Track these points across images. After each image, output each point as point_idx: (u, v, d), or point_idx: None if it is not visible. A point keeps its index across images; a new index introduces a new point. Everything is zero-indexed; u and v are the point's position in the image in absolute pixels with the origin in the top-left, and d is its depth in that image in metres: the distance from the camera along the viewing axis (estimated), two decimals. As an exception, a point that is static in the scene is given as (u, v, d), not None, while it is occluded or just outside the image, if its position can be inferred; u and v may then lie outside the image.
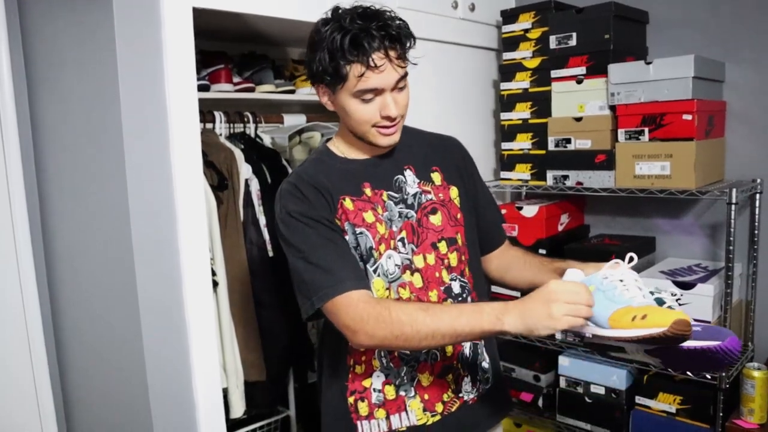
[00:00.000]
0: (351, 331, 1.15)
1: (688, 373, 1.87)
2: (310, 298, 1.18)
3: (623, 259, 1.14)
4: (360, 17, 1.15)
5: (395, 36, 1.16)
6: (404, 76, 1.20)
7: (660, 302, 1.06)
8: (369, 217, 1.25)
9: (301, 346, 2.13)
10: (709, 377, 1.85)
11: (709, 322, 1.84)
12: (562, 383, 2.21)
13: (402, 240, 1.27)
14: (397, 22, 1.18)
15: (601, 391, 2.11)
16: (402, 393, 1.28)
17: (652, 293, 1.08)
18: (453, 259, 1.32)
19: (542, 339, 2.24)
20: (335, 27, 1.15)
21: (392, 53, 1.16)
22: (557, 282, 1.08)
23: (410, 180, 1.32)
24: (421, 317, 1.10)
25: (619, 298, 1.06)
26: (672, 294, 1.09)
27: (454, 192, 1.36)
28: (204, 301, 1.58)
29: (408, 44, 1.19)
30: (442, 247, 1.31)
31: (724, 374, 1.82)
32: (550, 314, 1.03)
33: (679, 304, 1.81)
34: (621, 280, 1.09)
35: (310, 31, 1.21)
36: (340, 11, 1.17)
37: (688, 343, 1.00)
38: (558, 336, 1.05)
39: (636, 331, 1.00)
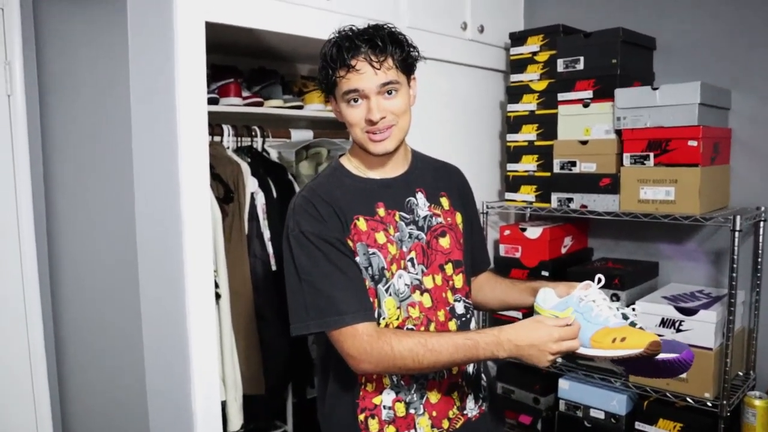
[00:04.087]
0: (355, 361, 1.20)
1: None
2: (306, 321, 1.21)
3: (593, 281, 1.27)
4: (354, 32, 1.22)
5: (378, 43, 1.20)
6: (391, 82, 1.22)
7: (625, 317, 1.21)
8: (381, 237, 1.26)
9: (300, 362, 2.12)
10: (710, 405, 1.84)
11: (711, 349, 1.85)
12: (562, 406, 2.20)
13: (411, 260, 1.29)
14: (387, 32, 1.23)
15: (601, 415, 2.10)
16: (412, 411, 1.28)
17: (618, 309, 1.22)
18: (458, 281, 1.35)
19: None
20: (332, 42, 1.23)
21: (373, 57, 1.20)
22: (555, 329, 1.17)
23: (421, 203, 1.34)
24: (421, 353, 1.17)
25: (596, 320, 1.19)
26: (632, 309, 1.25)
27: (459, 217, 1.40)
28: (206, 312, 1.58)
29: (398, 53, 1.23)
30: (449, 268, 1.34)
31: (725, 402, 1.81)
32: (543, 359, 1.16)
33: (678, 330, 1.88)
34: (593, 301, 1.21)
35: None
36: (342, 31, 1.24)
37: None
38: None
39: (617, 351, 1.14)
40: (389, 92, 1.23)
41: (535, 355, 1.15)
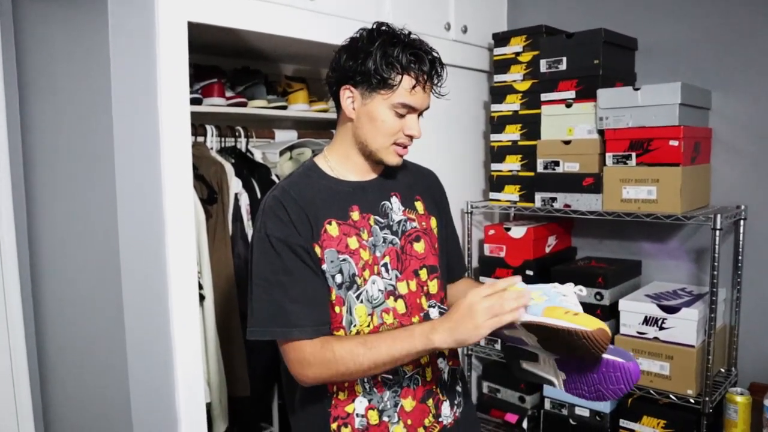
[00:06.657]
0: (296, 372, 1.20)
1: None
2: (252, 326, 1.21)
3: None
4: (425, 48, 1.23)
5: (440, 70, 1.25)
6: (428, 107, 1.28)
7: None
8: (353, 243, 1.24)
9: (286, 363, 2.11)
10: (692, 401, 1.86)
11: (693, 346, 1.86)
12: (547, 405, 2.21)
13: (386, 265, 1.27)
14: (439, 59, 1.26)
15: (586, 413, 2.11)
16: (385, 419, 1.27)
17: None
18: (433, 286, 1.34)
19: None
20: (393, 39, 1.20)
21: (434, 83, 1.25)
22: (474, 292, 1.12)
23: (396, 207, 1.33)
24: (360, 351, 1.15)
25: (558, 303, 1.15)
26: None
27: (433, 222, 1.39)
28: (190, 314, 1.57)
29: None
30: (423, 274, 1.32)
31: (707, 399, 1.83)
32: (475, 325, 1.09)
33: (661, 328, 1.91)
34: (565, 296, 1.18)
35: (349, 38, 1.26)
36: (384, 28, 1.23)
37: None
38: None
39: (565, 323, 1.08)
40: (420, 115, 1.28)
41: (466, 324, 1.10)
